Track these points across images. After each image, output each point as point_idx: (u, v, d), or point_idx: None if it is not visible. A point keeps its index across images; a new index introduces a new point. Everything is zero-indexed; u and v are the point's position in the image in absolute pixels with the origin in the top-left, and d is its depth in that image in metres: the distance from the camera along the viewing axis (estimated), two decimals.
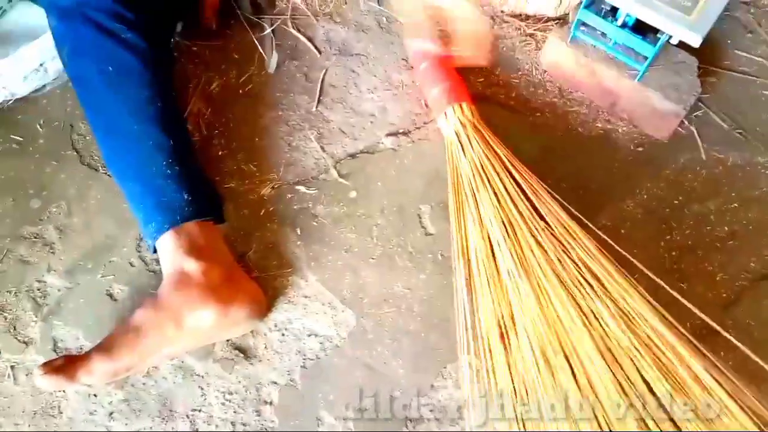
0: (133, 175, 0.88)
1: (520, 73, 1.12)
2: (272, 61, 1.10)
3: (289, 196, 0.98)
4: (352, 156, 1.02)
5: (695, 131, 1.06)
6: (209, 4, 1.11)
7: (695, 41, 0.85)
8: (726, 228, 0.98)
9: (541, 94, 1.10)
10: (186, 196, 0.86)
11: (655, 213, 0.99)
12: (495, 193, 0.87)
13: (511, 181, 0.89)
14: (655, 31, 0.96)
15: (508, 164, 0.90)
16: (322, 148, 1.03)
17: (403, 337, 0.88)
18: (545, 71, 1.11)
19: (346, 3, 1.18)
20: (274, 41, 1.13)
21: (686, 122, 1.06)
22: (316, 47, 1.12)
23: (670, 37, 0.91)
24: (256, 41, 1.12)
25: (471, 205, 0.87)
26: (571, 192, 0.97)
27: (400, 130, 1.05)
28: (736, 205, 1.00)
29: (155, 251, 0.86)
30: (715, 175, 1.03)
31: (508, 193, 0.87)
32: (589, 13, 0.97)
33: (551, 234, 0.84)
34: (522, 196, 0.87)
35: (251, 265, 0.92)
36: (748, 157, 1.04)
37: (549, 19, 1.18)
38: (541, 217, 0.87)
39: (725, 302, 0.92)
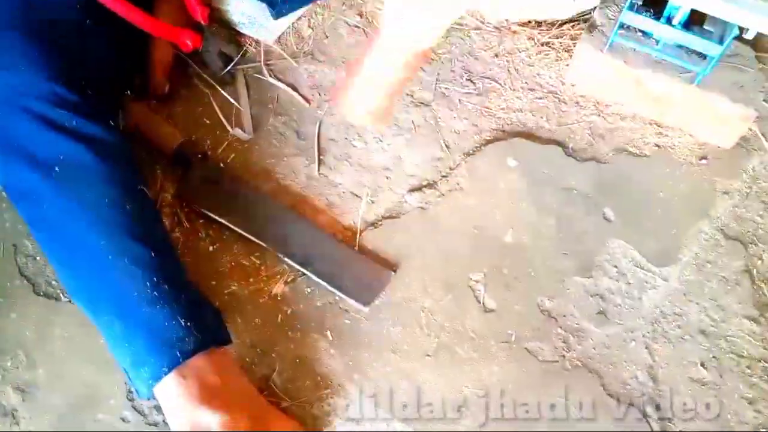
0: (108, 307, 0.67)
1: (545, 91, 0.95)
2: (248, 120, 0.89)
3: (309, 290, 0.78)
4: (374, 225, 0.83)
5: (757, 130, 0.92)
6: (159, 62, 0.88)
7: None
8: None
9: (575, 114, 0.93)
10: (184, 323, 0.66)
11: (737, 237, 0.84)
12: None
13: None
14: (701, 24, 0.81)
15: None
16: (335, 220, 0.84)
17: None
18: (573, 85, 0.95)
19: (327, 37, 0.98)
20: (247, 95, 0.92)
21: None
22: (302, 96, 0.92)
23: (743, 30, 0.76)
24: (231, 99, 0.91)
25: None
26: (641, 230, 0.80)
27: (424, 183, 0.86)
28: None
29: (153, 397, 0.66)
30: None
31: None
32: (635, 14, 0.80)
33: None
34: None
35: (279, 393, 0.72)
36: None
37: (563, 23, 1.02)
38: None
39: None
